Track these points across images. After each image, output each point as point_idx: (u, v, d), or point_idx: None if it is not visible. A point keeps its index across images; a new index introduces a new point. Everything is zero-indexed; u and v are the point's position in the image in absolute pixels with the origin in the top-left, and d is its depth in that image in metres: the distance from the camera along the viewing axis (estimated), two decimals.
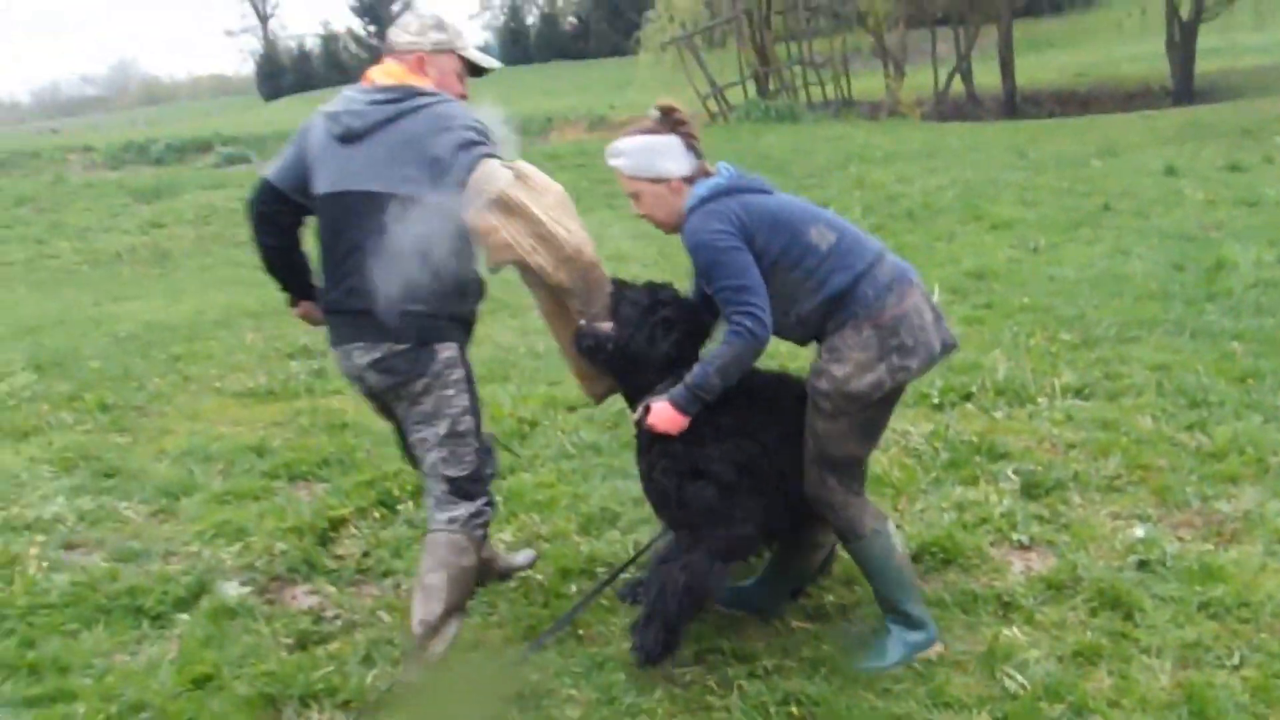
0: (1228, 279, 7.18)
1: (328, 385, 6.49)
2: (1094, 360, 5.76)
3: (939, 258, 8.93)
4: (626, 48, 33.74)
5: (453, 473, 3.25)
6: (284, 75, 59.73)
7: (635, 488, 3.64)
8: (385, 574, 3.96)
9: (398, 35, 3.31)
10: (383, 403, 3.35)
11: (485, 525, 3.34)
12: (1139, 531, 3.80)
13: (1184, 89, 24.51)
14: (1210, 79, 24.68)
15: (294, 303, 3.58)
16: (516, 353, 6.92)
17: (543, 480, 4.61)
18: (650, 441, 3.14)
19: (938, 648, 3.16)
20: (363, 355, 3.16)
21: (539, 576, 3.81)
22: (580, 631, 3.40)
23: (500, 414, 5.45)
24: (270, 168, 3.34)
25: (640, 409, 3.13)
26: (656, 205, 3.14)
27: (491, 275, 3.28)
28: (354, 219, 3.11)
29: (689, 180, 3.11)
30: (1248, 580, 3.42)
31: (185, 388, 6.63)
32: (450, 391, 3.20)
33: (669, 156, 3.10)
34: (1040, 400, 5.20)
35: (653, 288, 3.29)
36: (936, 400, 5.25)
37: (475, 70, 3.43)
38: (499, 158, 3.09)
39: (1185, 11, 24.56)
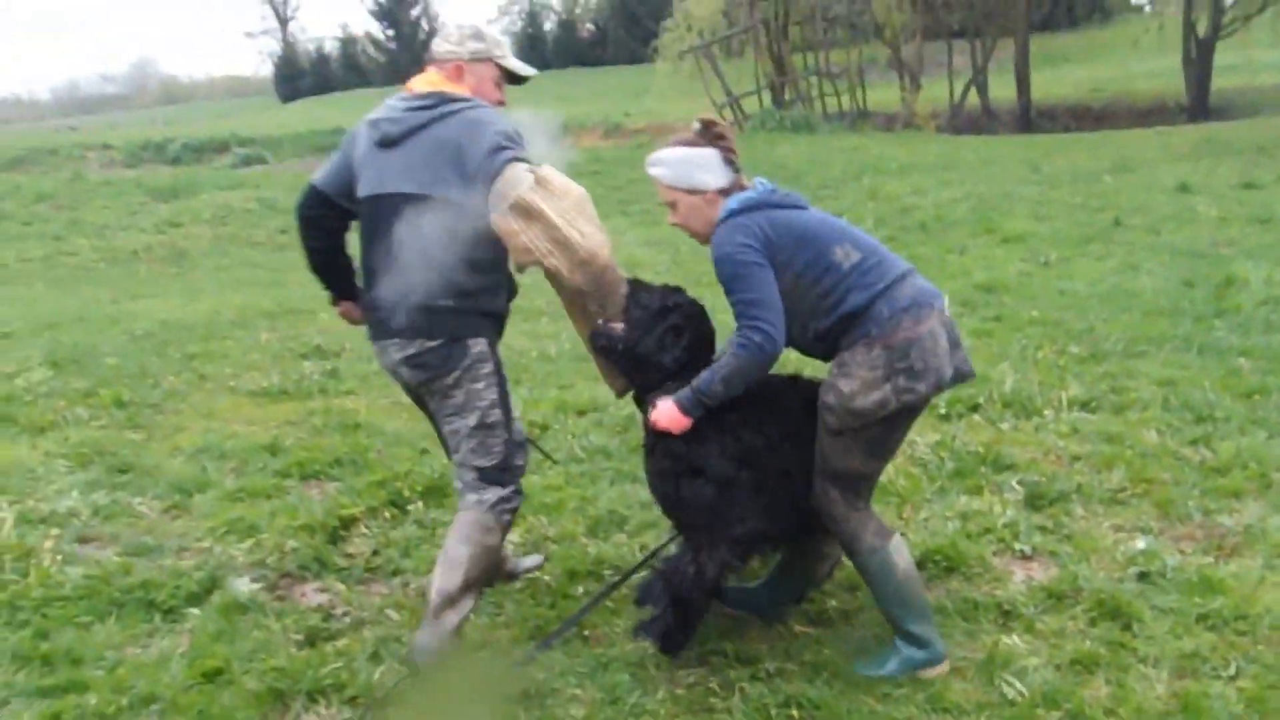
0: (1237, 296, 7.21)
1: (341, 386, 6.56)
2: (1101, 374, 5.79)
3: (951, 270, 8.97)
4: (644, 55, 33.81)
5: (481, 463, 3.39)
6: (302, 78, 59.93)
7: (643, 492, 3.70)
8: (394, 573, 4.01)
9: (439, 45, 3.46)
10: (418, 396, 3.50)
11: (512, 512, 3.46)
12: (1140, 544, 3.84)
13: (1200, 106, 24.44)
14: (1226, 96, 24.61)
15: (335, 301, 3.70)
16: (528, 356, 6.99)
17: (551, 483, 4.66)
18: (654, 441, 3.21)
19: (942, 668, 3.15)
20: (398, 351, 3.31)
21: (546, 578, 3.86)
22: (585, 633, 3.45)
23: None
24: (318, 174, 3.50)
25: (648, 408, 3.20)
26: (691, 215, 3.21)
27: (519, 275, 3.41)
28: (390, 219, 3.24)
29: (724, 193, 3.17)
30: (1246, 593, 3.45)
31: (200, 386, 6.70)
32: (480, 385, 3.33)
33: (706, 169, 3.16)
34: (1047, 413, 5.24)
35: (665, 291, 3.35)
36: (944, 411, 5.28)
37: (514, 78, 3.55)
38: (526, 161, 3.19)
39: (1202, 28, 24.49)
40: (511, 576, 3.85)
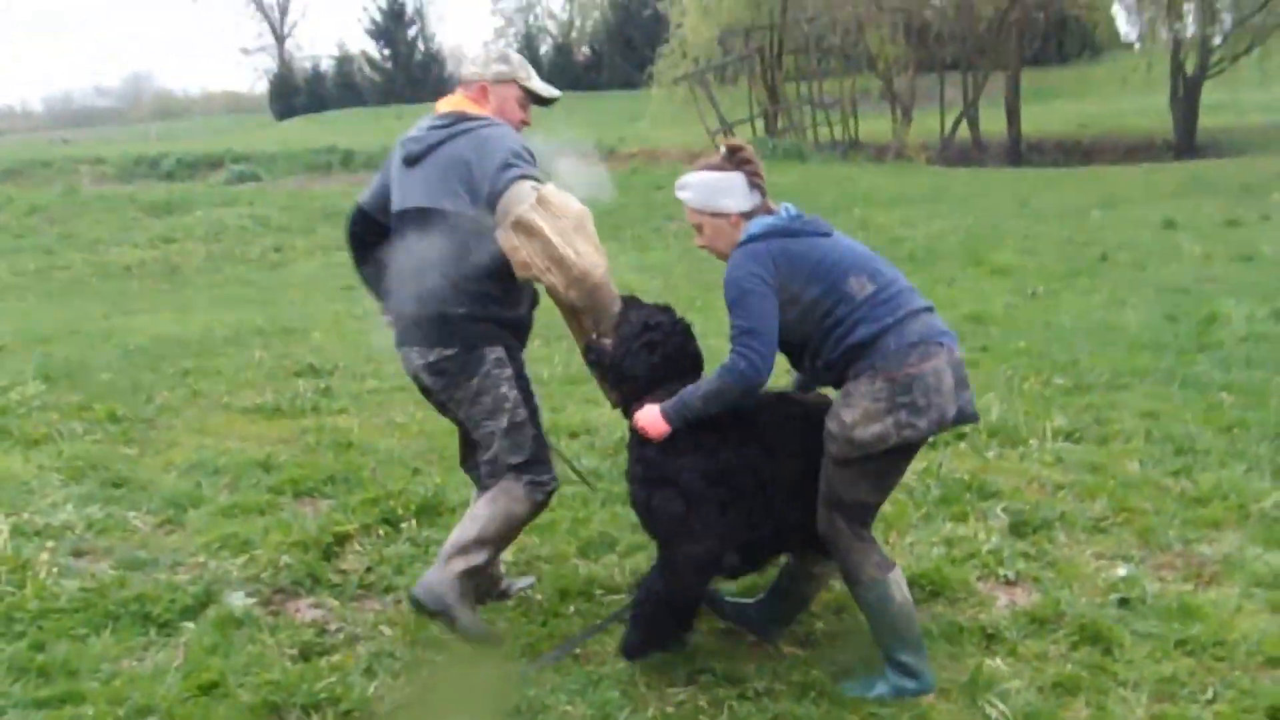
0: (1219, 332, 7.32)
1: (334, 404, 6.61)
2: (1085, 406, 5.88)
3: (939, 301, 8.95)
4: (639, 81, 34.01)
5: (514, 459, 3.53)
6: (297, 95, 60.01)
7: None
8: (388, 590, 4.05)
9: (467, 67, 3.64)
10: (439, 401, 3.61)
11: (546, 494, 3.61)
12: (1121, 571, 3.91)
13: (1186, 143, 24.75)
14: (1213, 134, 24.92)
15: (384, 311, 3.82)
16: None
17: None
18: (634, 445, 3.32)
19: (929, 699, 3.19)
20: (419, 358, 3.47)
21: (539, 597, 3.91)
22: (577, 650, 3.50)
23: None
24: (363, 193, 3.74)
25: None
26: (716, 237, 3.29)
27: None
28: (410, 232, 3.42)
29: (747, 216, 3.24)
30: (1224, 620, 3.52)
31: (194, 402, 6.74)
32: (504, 389, 3.46)
33: (730, 193, 3.24)
34: (1031, 442, 5.32)
35: (653, 310, 3.45)
36: (930, 439, 5.35)
37: (540, 99, 3.70)
38: (534, 179, 3.31)
39: (1190, 67, 24.85)
40: (504, 596, 3.90)
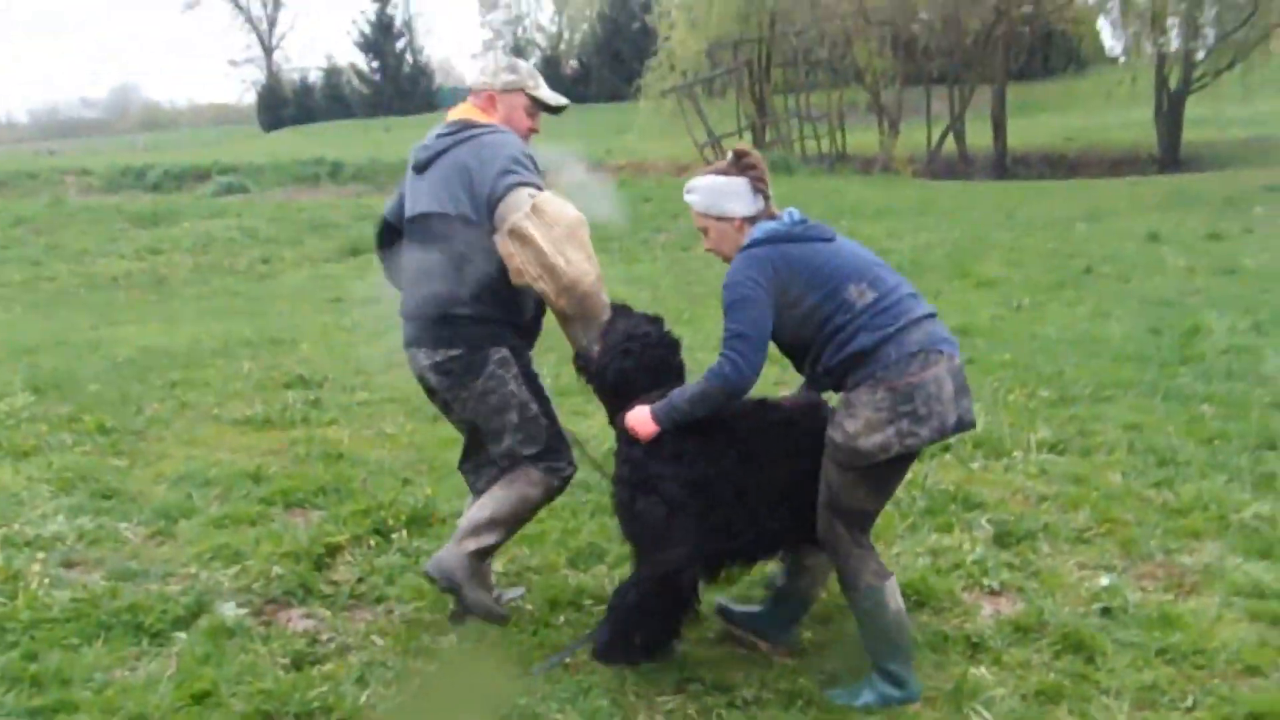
0: (1202, 344, 7.40)
1: (323, 416, 6.62)
2: (1069, 417, 5.94)
3: None
4: (627, 94, 34.12)
5: (529, 451, 3.62)
6: (285, 107, 59.99)
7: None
8: (379, 600, 4.07)
9: (477, 77, 3.77)
10: (444, 401, 3.70)
11: (563, 479, 3.70)
12: (1104, 580, 3.97)
13: (1170, 157, 24.93)
14: (1196, 148, 25.11)
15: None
16: None
17: None
18: (620, 449, 3.41)
19: (914, 707, 3.23)
20: (426, 358, 3.55)
21: (529, 607, 3.94)
22: (568, 660, 3.53)
23: None
24: (386, 205, 3.88)
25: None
26: (721, 240, 3.35)
27: None
28: (417, 237, 3.53)
29: (752, 221, 3.30)
30: (1204, 629, 3.59)
31: (183, 414, 6.74)
32: (510, 386, 3.54)
33: (734, 197, 3.30)
34: (1016, 454, 5.38)
35: (639, 320, 3.53)
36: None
37: (549, 107, 3.80)
38: (532, 186, 3.39)
39: (1174, 82, 25.05)
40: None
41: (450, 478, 5.30)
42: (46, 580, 4.10)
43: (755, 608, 3.69)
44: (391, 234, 3.82)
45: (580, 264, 3.37)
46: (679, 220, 15.86)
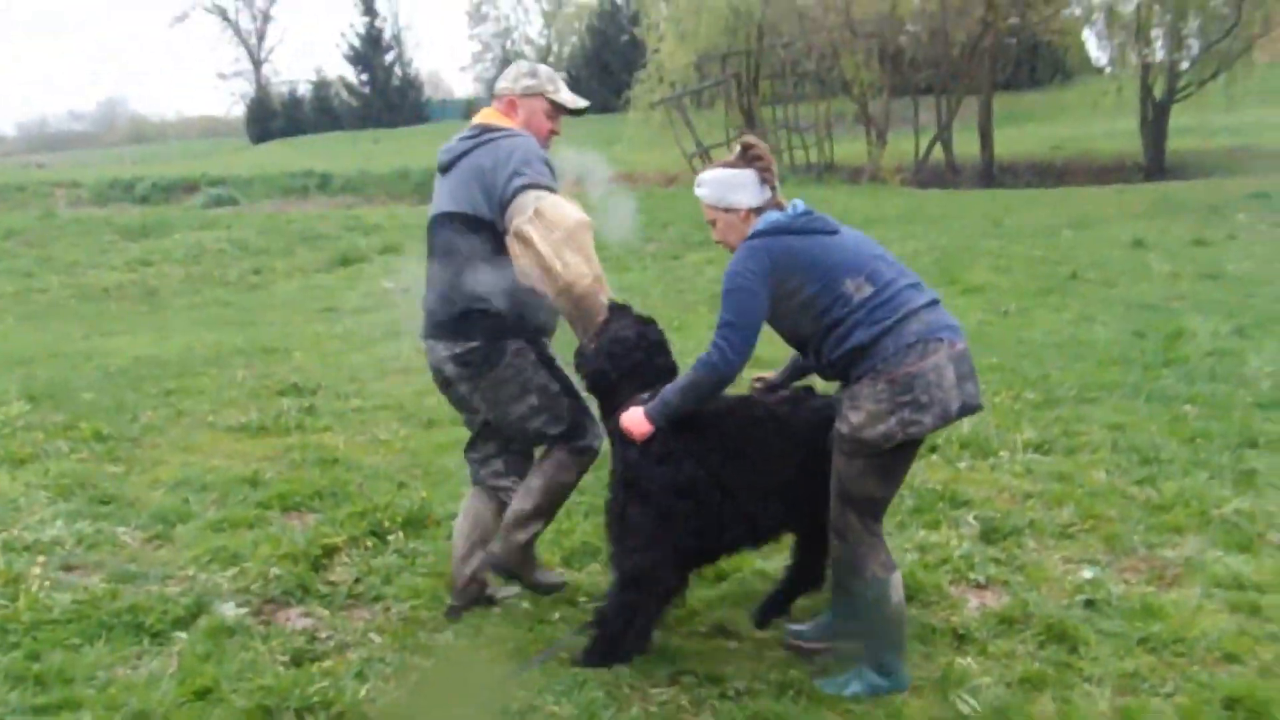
0: (1185, 347, 7.50)
1: (318, 422, 6.68)
2: (1054, 419, 6.03)
3: None
4: (616, 105, 34.20)
5: (555, 430, 3.78)
6: (274, 119, 60.02)
7: None
8: (376, 599, 4.13)
9: (500, 82, 3.87)
10: (458, 394, 3.81)
11: (589, 458, 3.84)
12: (1087, 574, 4.05)
13: (1156, 165, 25.08)
14: (1181, 157, 25.25)
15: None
16: None
17: None
18: (614, 450, 3.51)
19: (902, 696, 3.28)
20: (445, 350, 3.67)
21: (525, 604, 4.01)
22: (563, 653, 3.60)
23: None
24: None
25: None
26: (728, 231, 3.42)
27: None
28: (438, 235, 3.67)
29: (758, 212, 3.38)
30: (1185, 619, 3.67)
31: (178, 421, 6.79)
32: (528, 372, 3.69)
33: (741, 189, 3.38)
34: (1002, 454, 5.47)
35: (631, 323, 3.60)
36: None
37: (569, 110, 3.91)
38: (547, 189, 3.51)
39: (1159, 91, 25.22)
40: (491, 602, 4.00)
41: (445, 482, 5.38)
42: (47, 583, 4.15)
43: (823, 618, 3.68)
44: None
45: (577, 267, 3.46)
46: (669, 229, 15.95)
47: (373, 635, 3.81)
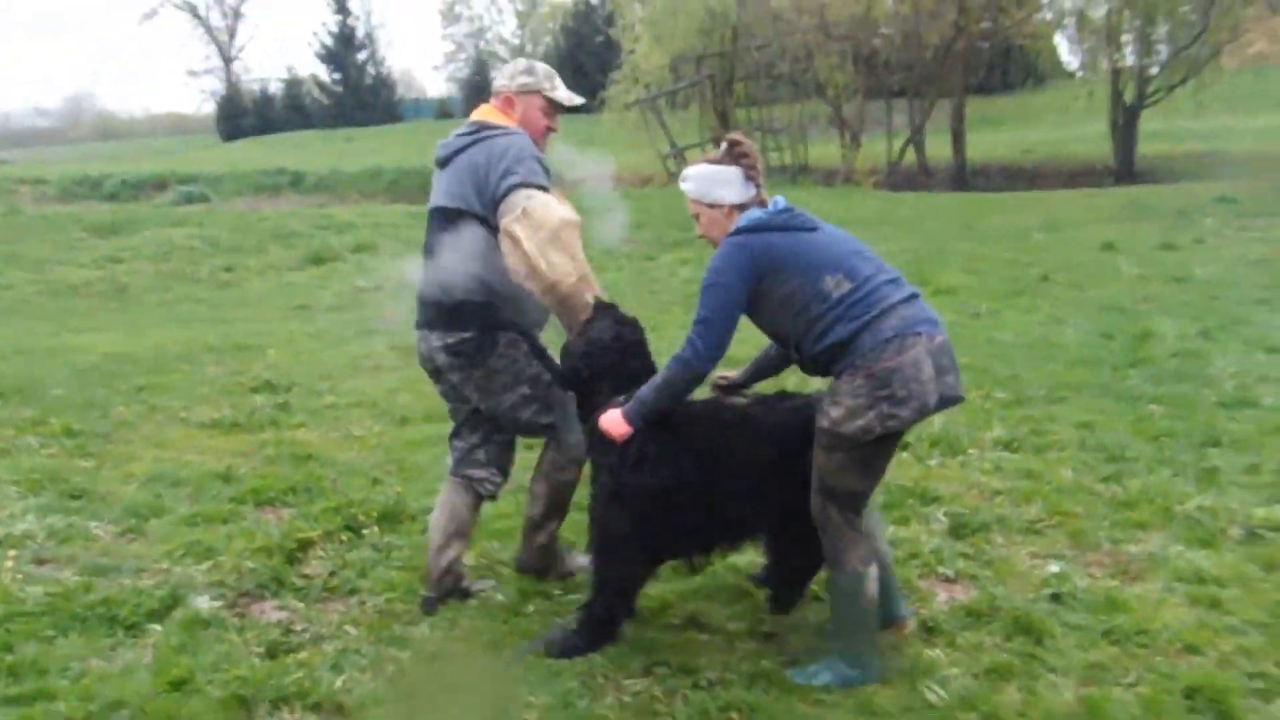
0: (1152, 348, 7.60)
1: (292, 419, 6.67)
2: (1023, 417, 6.11)
3: None
4: (591, 106, 34.20)
5: (545, 419, 3.87)
6: (245, 117, 59.61)
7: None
8: (352, 592, 4.15)
9: (497, 79, 3.94)
10: (449, 384, 3.86)
11: (581, 452, 3.87)
12: (1054, 568, 4.12)
13: (1125, 170, 25.34)
14: (1151, 161, 25.52)
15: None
16: None
17: (502, 511, 4.81)
18: (592, 452, 3.57)
19: (871, 687, 3.33)
20: (438, 340, 3.73)
21: (500, 597, 4.04)
22: (536, 643, 3.63)
23: None
24: None
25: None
26: (711, 226, 3.47)
27: None
28: (434, 228, 3.73)
29: (741, 208, 3.42)
30: (1148, 612, 3.75)
31: (150, 417, 6.77)
32: (520, 363, 3.76)
33: (725, 184, 3.42)
34: (972, 451, 5.54)
35: (609, 325, 3.64)
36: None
37: (566, 107, 3.97)
38: (539, 187, 3.57)
39: (1129, 96, 25.50)
40: (466, 595, 4.03)
41: (419, 477, 5.39)
42: (19, 576, 4.16)
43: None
44: None
45: (561, 266, 3.52)
46: (644, 230, 15.98)
47: (348, 628, 3.83)
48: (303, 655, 3.61)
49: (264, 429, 6.48)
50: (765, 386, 3.84)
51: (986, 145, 29.47)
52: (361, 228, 17.63)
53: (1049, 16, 28.58)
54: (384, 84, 61.53)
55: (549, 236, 3.50)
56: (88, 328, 10.83)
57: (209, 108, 68.13)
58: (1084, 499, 4.85)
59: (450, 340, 3.75)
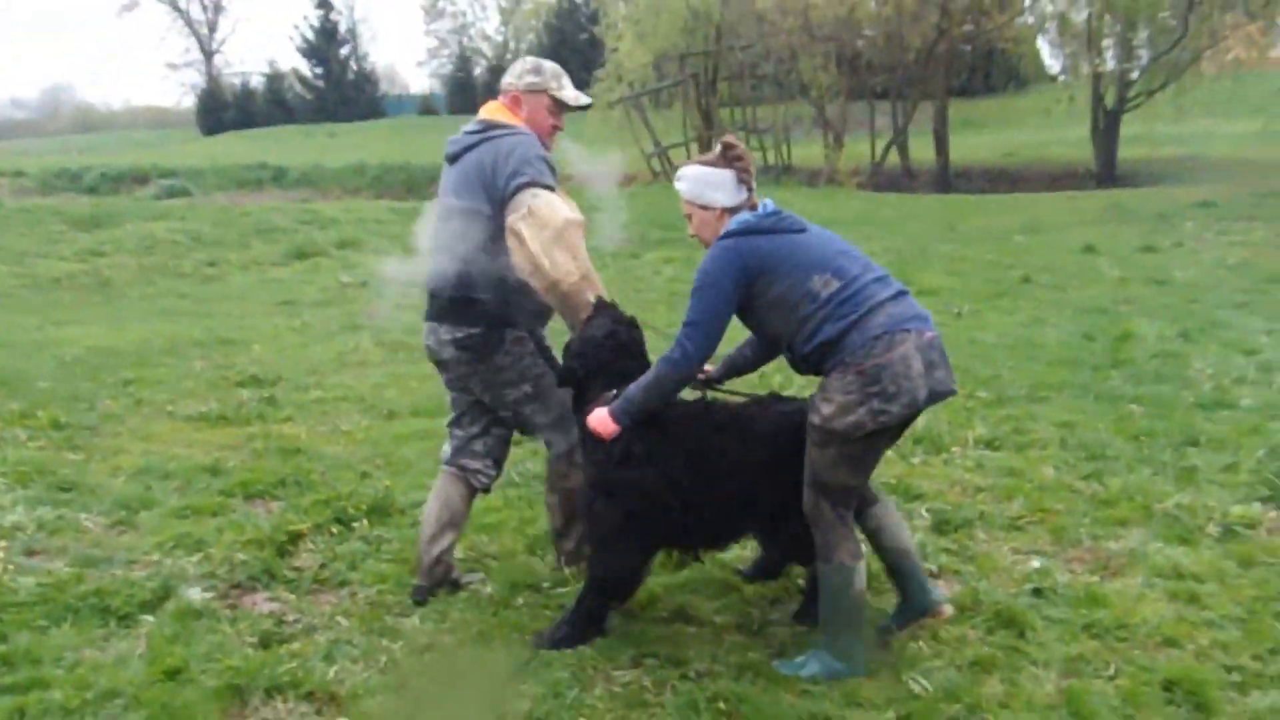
0: (1132, 349, 7.69)
1: (279, 413, 6.69)
2: (1005, 416, 6.19)
3: None
4: None
5: (543, 419, 3.91)
6: (226, 111, 59.29)
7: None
8: (342, 584, 4.19)
9: (505, 78, 3.97)
10: (454, 376, 3.93)
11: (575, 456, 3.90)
12: (1035, 564, 4.20)
13: (1107, 173, 25.51)
14: (1132, 165, 25.70)
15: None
16: None
17: (491, 505, 4.86)
18: (583, 449, 3.63)
19: (856, 680, 3.38)
20: (447, 333, 3.78)
21: (489, 590, 4.08)
22: (529, 636, 3.68)
23: None
24: None
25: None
26: (703, 227, 3.53)
27: None
28: (443, 224, 3.77)
29: (733, 210, 3.47)
30: (1127, 607, 3.83)
31: (137, 410, 6.79)
32: (525, 360, 3.82)
33: (718, 188, 3.47)
34: (954, 449, 5.62)
35: (605, 323, 3.68)
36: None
37: (572, 107, 4.02)
38: (545, 187, 3.61)
39: (1110, 100, 25.69)
40: (456, 586, 4.07)
41: (408, 471, 5.43)
42: (11, 567, 4.18)
43: (897, 609, 3.73)
44: None
45: (563, 265, 3.58)
46: (627, 228, 16.02)
47: (340, 619, 3.87)
48: (295, 646, 3.65)
49: (251, 423, 6.50)
50: (757, 385, 3.89)
51: (969, 147, 29.63)
52: (345, 223, 17.60)
53: (1030, 20, 28.75)
54: (367, 79, 61.41)
55: (553, 235, 3.55)
56: (72, 321, 10.80)
57: (189, 101, 67.81)
58: (1065, 496, 4.93)
59: (458, 335, 3.80)
